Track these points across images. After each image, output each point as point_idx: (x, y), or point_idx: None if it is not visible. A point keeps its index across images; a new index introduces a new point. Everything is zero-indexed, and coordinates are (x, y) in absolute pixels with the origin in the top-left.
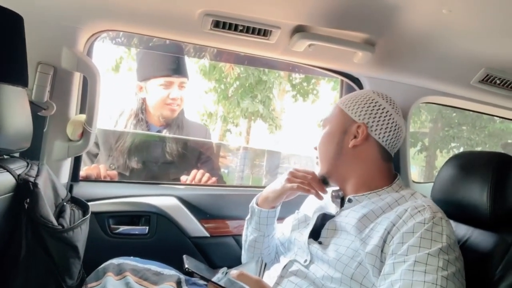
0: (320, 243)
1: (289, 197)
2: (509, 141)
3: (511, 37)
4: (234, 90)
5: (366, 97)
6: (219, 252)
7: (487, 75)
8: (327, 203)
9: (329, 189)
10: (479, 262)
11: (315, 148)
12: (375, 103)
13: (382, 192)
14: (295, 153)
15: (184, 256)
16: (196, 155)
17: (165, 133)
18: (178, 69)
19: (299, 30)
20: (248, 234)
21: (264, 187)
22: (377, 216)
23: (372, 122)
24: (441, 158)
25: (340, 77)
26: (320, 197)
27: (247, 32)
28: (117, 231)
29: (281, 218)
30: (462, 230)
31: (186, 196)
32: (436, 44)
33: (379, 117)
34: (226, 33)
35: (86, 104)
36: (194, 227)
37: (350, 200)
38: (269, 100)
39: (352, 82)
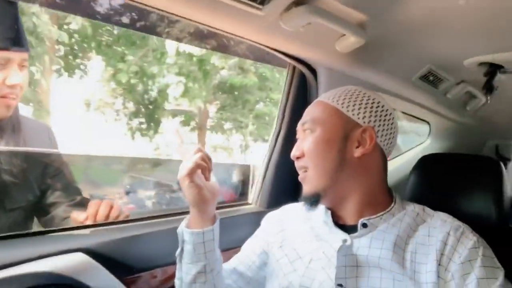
0: (340, 286)
1: (200, 194)
2: None
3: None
4: None
5: (363, 95)
6: None
7: (430, 72)
8: (317, 229)
9: (319, 209)
10: None
11: (297, 158)
12: (378, 102)
13: (394, 210)
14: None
15: None
16: (42, 167)
17: None
18: (17, 38)
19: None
20: (183, 276)
21: None
22: (406, 243)
23: (379, 125)
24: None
25: (297, 65)
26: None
27: None
28: None
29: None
30: None
31: (99, 247)
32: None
33: (383, 119)
34: None
35: None
36: None
37: (365, 225)
38: (33, 78)
39: (310, 72)
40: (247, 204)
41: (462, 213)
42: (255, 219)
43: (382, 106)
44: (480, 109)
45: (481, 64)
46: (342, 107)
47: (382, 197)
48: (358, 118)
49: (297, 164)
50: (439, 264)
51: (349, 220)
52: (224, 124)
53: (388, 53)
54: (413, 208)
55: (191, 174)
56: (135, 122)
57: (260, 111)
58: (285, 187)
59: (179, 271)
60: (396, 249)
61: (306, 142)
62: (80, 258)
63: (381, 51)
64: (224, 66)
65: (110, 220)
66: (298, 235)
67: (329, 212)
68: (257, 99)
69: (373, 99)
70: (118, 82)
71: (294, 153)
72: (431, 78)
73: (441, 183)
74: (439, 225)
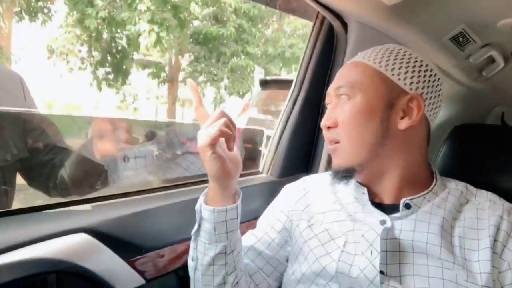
0: (382, 273)
1: (222, 164)
2: (268, 78)
3: None
4: None
5: (410, 56)
6: None
7: (461, 33)
8: (348, 206)
9: (348, 183)
10: None
11: (328, 127)
12: (426, 66)
13: (436, 188)
14: None
15: None
16: (20, 128)
17: None
18: None
19: None
20: (199, 256)
21: None
22: (452, 227)
23: (427, 93)
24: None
25: (327, 16)
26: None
27: None
28: None
29: None
30: None
31: (103, 226)
32: None
33: (432, 85)
34: None
35: None
36: (123, 274)
37: (408, 206)
38: None
39: (341, 25)
40: (258, 173)
41: (502, 190)
42: (267, 189)
43: (431, 70)
44: (495, 74)
45: None
46: (386, 69)
47: (423, 173)
48: (405, 83)
49: (328, 134)
50: (494, 252)
51: (387, 199)
52: (198, 77)
53: (430, 8)
54: (456, 185)
55: (214, 143)
56: (101, 72)
57: (236, 64)
58: (300, 155)
59: (194, 250)
60: (443, 234)
61: (341, 110)
62: (83, 239)
63: (424, 5)
64: (199, 16)
65: None
66: (327, 213)
67: (365, 189)
68: (233, 51)
69: (420, 61)
70: (84, 28)
71: (325, 122)
72: (460, 39)
73: (477, 156)
74: (488, 207)
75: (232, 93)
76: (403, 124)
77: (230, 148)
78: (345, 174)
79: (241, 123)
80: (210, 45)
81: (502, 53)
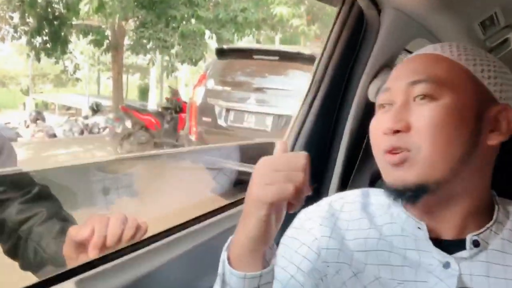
0: None
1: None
2: (225, 46)
3: None
4: None
5: (492, 59)
6: None
7: (491, 16)
8: (394, 241)
9: (390, 209)
10: None
11: (395, 132)
12: (508, 73)
13: (501, 216)
14: None
15: None
16: None
17: None
18: None
19: None
20: None
21: None
22: None
23: None
24: (136, 59)
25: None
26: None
27: None
28: None
29: None
30: None
31: None
32: None
33: None
34: None
35: None
36: None
37: (476, 244)
38: None
39: (376, 12)
40: None
41: None
42: None
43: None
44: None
45: None
46: (476, 70)
47: (487, 198)
48: (495, 90)
49: (392, 141)
50: None
51: (447, 234)
52: (146, 44)
53: None
54: None
55: (279, 202)
56: (38, 41)
57: (187, 29)
58: (313, 167)
59: None
60: None
61: (419, 112)
62: None
63: None
64: None
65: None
66: (371, 252)
67: (423, 224)
68: (183, 15)
69: (500, 65)
70: None
71: (393, 125)
72: (487, 23)
73: None
74: None
75: (184, 60)
76: (493, 139)
77: (292, 207)
78: (415, 192)
79: (198, 96)
80: (157, 9)
81: None
